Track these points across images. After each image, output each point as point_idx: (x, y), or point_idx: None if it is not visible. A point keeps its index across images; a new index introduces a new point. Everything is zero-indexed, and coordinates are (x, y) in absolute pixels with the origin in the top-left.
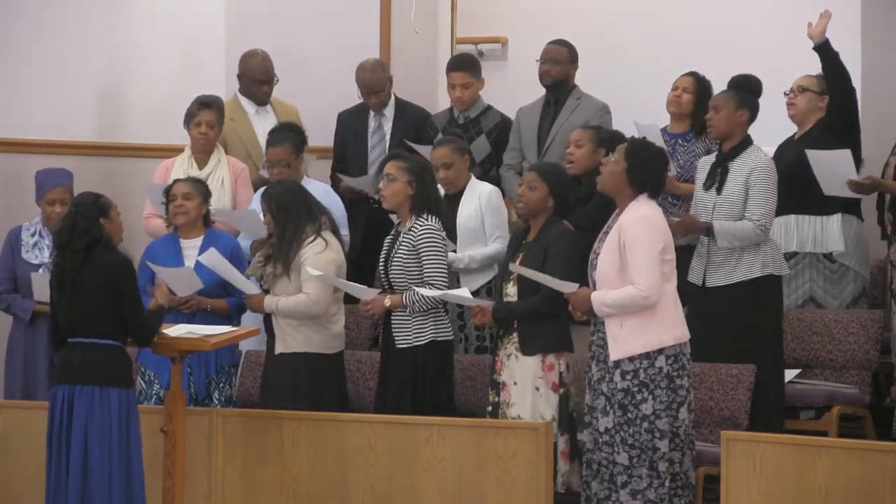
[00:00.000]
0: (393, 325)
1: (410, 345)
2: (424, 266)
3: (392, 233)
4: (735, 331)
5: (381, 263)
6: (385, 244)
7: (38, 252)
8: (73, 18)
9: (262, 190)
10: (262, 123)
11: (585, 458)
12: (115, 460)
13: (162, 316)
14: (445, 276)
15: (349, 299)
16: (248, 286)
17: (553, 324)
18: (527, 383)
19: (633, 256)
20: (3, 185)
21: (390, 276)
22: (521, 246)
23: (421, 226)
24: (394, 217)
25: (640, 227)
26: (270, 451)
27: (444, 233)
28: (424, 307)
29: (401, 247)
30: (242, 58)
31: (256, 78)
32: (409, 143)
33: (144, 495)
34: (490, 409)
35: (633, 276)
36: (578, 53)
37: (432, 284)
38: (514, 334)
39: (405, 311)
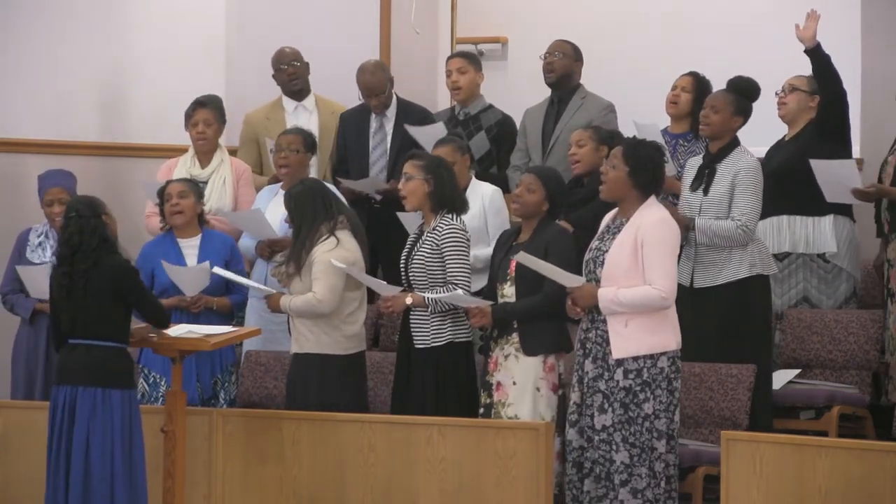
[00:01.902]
0: (411, 325)
1: (429, 345)
2: (448, 266)
3: (416, 231)
4: (723, 331)
5: (402, 261)
6: (408, 243)
7: (42, 252)
8: (73, 18)
9: (264, 189)
10: (298, 121)
11: (572, 458)
12: (118, 462)
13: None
14: (469, 276)
15: (371, 300)
16: (263, 288)
17: (554, 324)
18: (527, 384)
19: (655, 258)
20: (3, 185)
21: (410, 274)
22: (514, 246)
23: (445, 225)
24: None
25: (663, 230)
26: (270, 451)
27: (469, 233)
28: (445, 307)
29: (423, 245)
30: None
31: (279, 63)
32: (408, 128)
33: (147, 497)
34: (482, 410)
35: (652, 277)
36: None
37: (455, 284)
38: (514, 334)
39: (425, 311)
